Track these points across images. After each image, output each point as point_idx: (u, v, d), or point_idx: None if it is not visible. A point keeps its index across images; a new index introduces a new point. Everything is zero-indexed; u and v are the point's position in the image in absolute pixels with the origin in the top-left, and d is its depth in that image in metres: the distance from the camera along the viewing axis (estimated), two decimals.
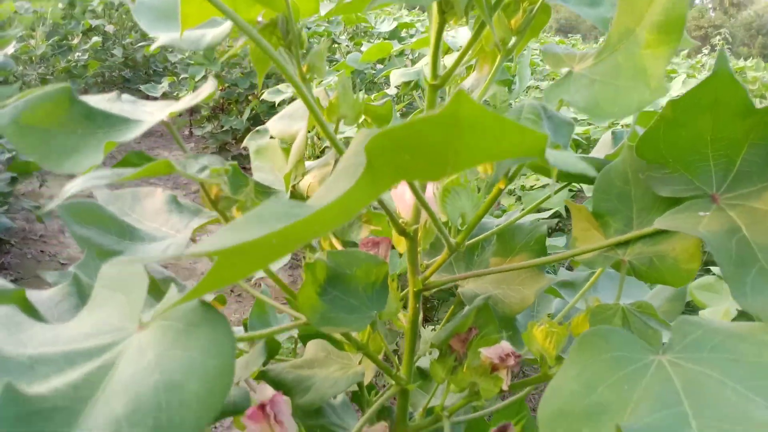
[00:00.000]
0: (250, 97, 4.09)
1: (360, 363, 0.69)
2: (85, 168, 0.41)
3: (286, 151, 0.71)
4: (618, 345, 0.36)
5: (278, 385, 0.65)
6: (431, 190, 0.51)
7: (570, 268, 0.93)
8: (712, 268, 1.07)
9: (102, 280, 0.39)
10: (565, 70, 0.45)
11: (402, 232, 0.52)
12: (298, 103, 0.66)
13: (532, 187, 2.35)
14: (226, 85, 4.06)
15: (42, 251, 2.94)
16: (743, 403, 0.31)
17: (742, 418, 0.30)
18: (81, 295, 0.53)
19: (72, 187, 0.36)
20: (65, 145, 0.44)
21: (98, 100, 0.50)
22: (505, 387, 0.50)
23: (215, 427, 1.78)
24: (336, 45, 3.83)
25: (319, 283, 0.50)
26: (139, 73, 5.66)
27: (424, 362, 0.89)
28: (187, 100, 0.48)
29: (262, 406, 0.47)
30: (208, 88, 0.46)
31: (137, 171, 0.35)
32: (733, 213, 0.41)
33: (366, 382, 0.79)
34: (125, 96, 0.53)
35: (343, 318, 0.50)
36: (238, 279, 0.30)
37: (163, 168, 0.36)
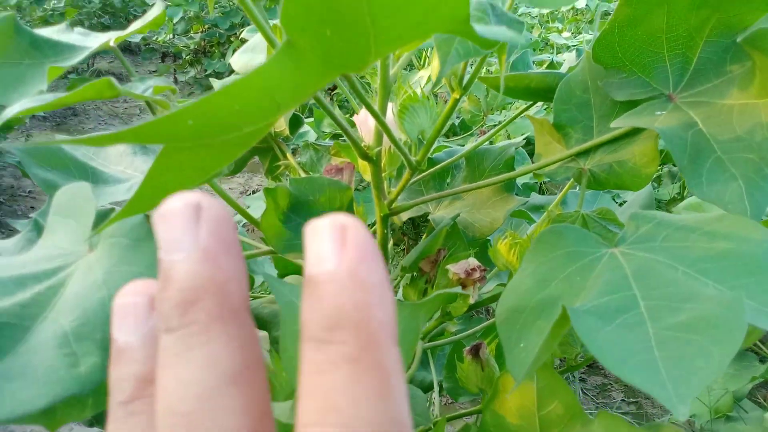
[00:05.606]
0: (231, 38, 4.00)
1: None
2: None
3: None
4: (572, 241, 0.36)
5: (254, 320, 0.66)
6: (391, 113, 0.50)
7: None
8: None
9: (54, 207, 0.39)
10: None
11: (364, 156, 0.52)
12: (260, 36, 0.64)
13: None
14: (206, 26, 3.97)
15: (32, 207, 2.92)
16: (692, 283, 0.31)
17: (690, 295, 0.30)
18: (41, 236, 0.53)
19: (12, 110, 0.35)
20: (10, 76, 0.43)
21: (48, 32, 0.49)
22: (472, 301, 0.50)
23: None
24: None
25: (281, 210, 0.49)
26: (118, 20, 5.50)
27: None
28: (135, 25, 0.47)
29: None
30: (155, 11, 0.45)
31: (78, 90, 0.34)
32: (690, 110, 0.40)
33: None
34: (78, 29, 0.51)
35: None
36: (173, 189, 0.30)
37: (106, 88, 0.35)
